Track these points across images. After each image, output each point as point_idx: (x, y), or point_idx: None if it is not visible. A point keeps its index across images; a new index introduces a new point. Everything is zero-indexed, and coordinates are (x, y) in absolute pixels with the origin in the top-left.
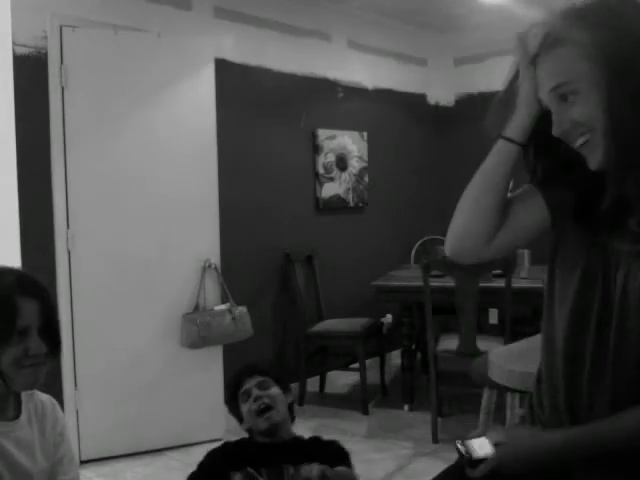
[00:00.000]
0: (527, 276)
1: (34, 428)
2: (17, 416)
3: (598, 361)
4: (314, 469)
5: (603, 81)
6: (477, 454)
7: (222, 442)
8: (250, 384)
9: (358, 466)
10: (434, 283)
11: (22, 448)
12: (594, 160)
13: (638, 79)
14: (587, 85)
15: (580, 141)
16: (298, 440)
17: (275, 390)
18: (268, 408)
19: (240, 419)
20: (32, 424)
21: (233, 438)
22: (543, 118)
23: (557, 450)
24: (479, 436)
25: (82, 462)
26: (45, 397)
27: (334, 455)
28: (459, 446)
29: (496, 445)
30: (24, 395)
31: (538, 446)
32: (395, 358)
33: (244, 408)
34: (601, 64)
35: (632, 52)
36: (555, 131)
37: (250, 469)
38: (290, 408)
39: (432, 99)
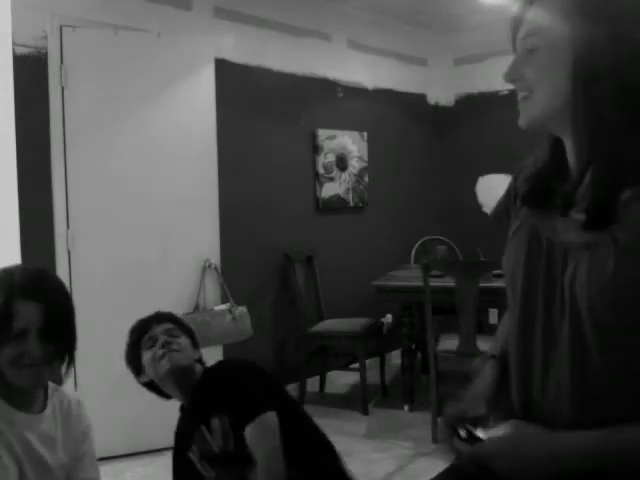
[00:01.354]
0: None
1: (58, 424)
2: (42, 410)
3: (548, 364)
4: (216, 425)
5: (562, 47)
6: (476, 434)
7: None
8: (158, 330)
9: (358, 466)
10: (434, 283)
11: (44, 441)
12: (522, 120)
13: (600, 58)
14: (546, 45)
15: (520, 95)
16: (203, 388)
17: (184, 339)
18: (174, 352)
19: (138, 371)
20: (57, 419)
21: None
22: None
23: (562, 453)
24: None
25: None
26: (72, 395)
27: (232, 382)
28: (459, 428)
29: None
30: (51, 390)
31: (541, 445)
32: (395, 358)
33: (146, 356)
34: (569, 29)
35: (601, 32)
36: (506, 76)
37: (191, 454)
38: (199, 360)
39: (432, 99)
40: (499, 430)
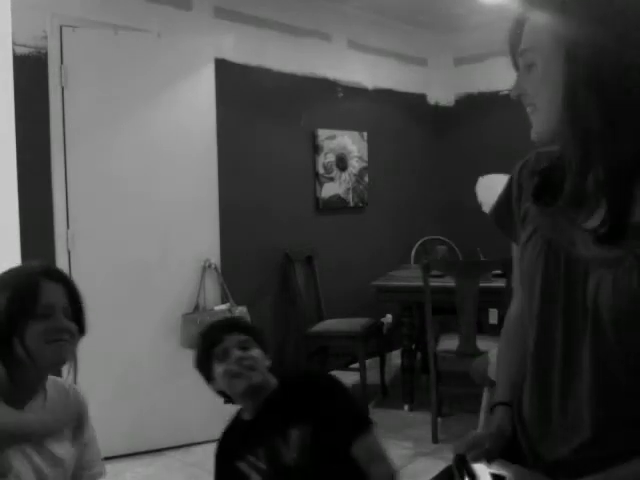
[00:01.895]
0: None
1: (59, 414)
2: (44, 405)
3: (568, 371)
4: (296, 436)
5: (555, 61)
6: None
7: (221, 433)
8: (230, 343)
9: None
10: (434, 283)
11: (51, 434)
12: (532, 135)
13: (594, 67)
14: (542, 59)
15: (528, 110)
16: (281, 399)
17: (257, 352)
18: (249, 370)
19: (209, 378)
20: (58, 410)
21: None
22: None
23: None
24: (478, 456)
25: None
26: (68, 384)
27: (323, 396)
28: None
29: (495, 477)
30: (48, 384)
31: None
32: (395, 358)
33: (219, 368)
34: (559, 43)
35: (594, 40)
36: (512, 93)
37: (250, 457)
38: (271, 368)
39: (432, 99)
40: (494, 466)
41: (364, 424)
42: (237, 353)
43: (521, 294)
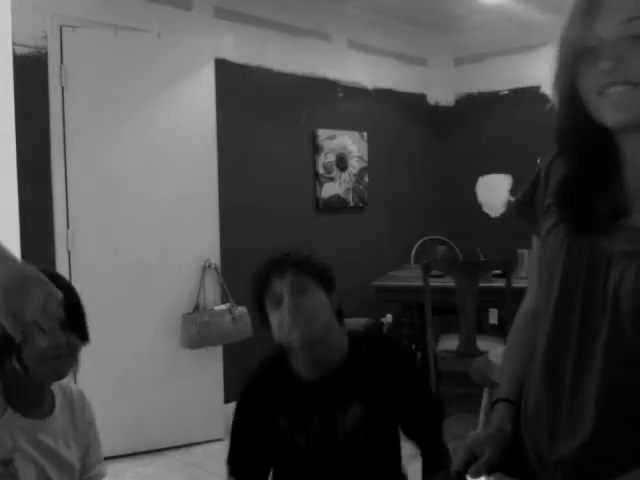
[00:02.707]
0: (527, 276)
1: (66, 418)
2: (52, 409)
3: (581, 364)
4: (356, 411)
5: None
6: None
7: (253, 371)
8: (281, 287)
9: None
10: (434, 283)
11: (59, 439)
12: (624, 116)
13: None
14: None
15: (620, 89)
16: (349, 364)
17: (315, 295)
18: (306, 320)
19: (267, 326)
20: (64, 415)
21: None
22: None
23: None
24: (479, 471)
25: None
26: (73, 387)
27: (399, 374)
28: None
29: None
30: (54, 388)
31: None
32: None
33: (274, 317)
34: None
35: None
36: (605, 65)
37: (300, 418)
38: (338, 314)
39: (432, 99)
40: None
41: (437, 416)
42: (291, 301)
43: (536, 287)
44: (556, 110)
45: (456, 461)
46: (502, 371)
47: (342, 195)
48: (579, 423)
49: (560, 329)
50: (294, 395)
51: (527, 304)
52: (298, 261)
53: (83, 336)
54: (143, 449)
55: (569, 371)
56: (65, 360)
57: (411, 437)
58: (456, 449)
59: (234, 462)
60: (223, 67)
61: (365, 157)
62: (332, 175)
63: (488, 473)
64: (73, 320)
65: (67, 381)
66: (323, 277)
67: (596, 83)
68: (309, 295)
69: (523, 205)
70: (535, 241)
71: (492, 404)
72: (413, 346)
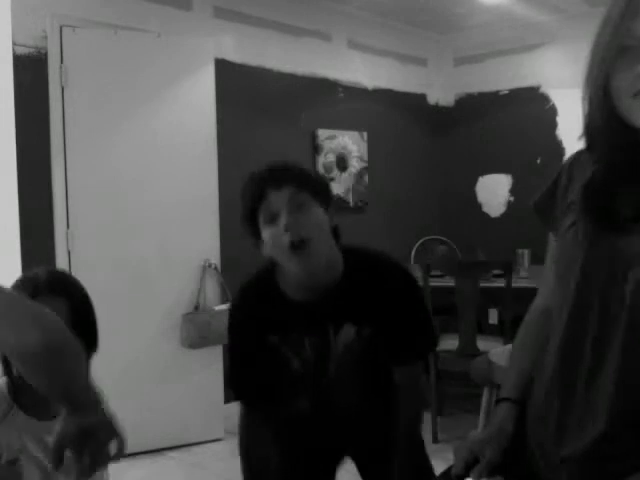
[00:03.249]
0: (527, 276)
1: None
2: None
3: (596, 362)
4: (350, 333)
5: None
6: None
7: (241, 290)
8: (278, 201)
9: None
10: (434, 283)
11: None
12: None
13: None
14: None
15: None
16: (344, 284)
17: (314, 213)
18: (303, 243)
19: (257, 240)
20: None
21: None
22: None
23: None
24: (480, 474)
25: None
26: None
27: (397, 297)
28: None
29: None
30: None
31: None
32: None
33: (266, 232)
34: None
35: None
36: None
37: (293, 337)
38: (334, 231)
39: (432, 99)
40: None
41: (427, 349)
42: (287, 217)
43: (551, 286)
44: (586, 110)
45: (457, 463)
46: (507, 370)
47: (342, 195)
48: (590, 421)
49: (576, 327)
50: (284, 314)
51: (540, 301)
52: (298, 175)
53: (89, 343)
54: (143, 449)
55: (584, 369)
56: None
57: (392, 363)
58: (457, 449)
59: (237, 385)
60: (223, 67)
61: (365, 157)
62: (332, 175)
63: (489, 475)
64: (79, 326)
65: None
66: (323, 193)
67: (631, 86)
68: (308, 212)
69: (543, 202)
70: (552, 240)
71: (495, 402)
72: None
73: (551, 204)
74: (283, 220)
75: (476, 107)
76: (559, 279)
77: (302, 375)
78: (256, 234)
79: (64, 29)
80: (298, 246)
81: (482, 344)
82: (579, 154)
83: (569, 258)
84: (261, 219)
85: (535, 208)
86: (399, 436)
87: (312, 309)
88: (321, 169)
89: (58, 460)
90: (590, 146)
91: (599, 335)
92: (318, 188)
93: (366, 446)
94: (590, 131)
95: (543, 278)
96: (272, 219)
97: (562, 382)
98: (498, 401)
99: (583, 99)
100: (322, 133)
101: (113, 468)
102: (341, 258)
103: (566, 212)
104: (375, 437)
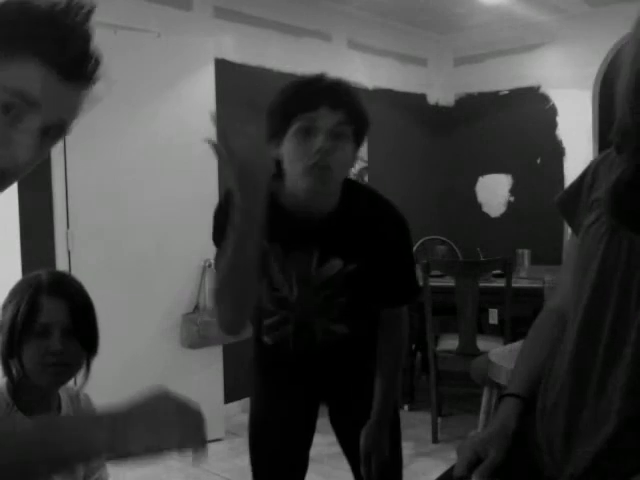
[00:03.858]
0: (527, 276)
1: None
2: (58, 412)
3: (611, 359)
4: (335, 267)
5: None
6: None
7: (228, 193)
8: (325, 121)
9: None
10: (434, 283)
11: None
12: None
13: None
14: None
15: None
16: (338, 218)
17: (347, 151)
18: (326, 174)
19: (275, 140)
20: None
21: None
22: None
23: None
24: (483, 475)
25: None
26: (80, 390)
27: (387, 240)
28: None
29: None
30: (61, 391)
31: None
32: None
33: (294, 141)
34: None
35: None
36: None
37: (277, 249)
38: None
39: (432, 99)
40: None
41: (411, 294)
42: (325, 143)
43: (568, 286)
44: (619, 113)
45: (459, 463)
46: (516, 366)
47: None
48: (601, 421)
49: (593, 322)
50: (276, 222)
51: (557, 300)
52: (355, 107)
53: (89, 345)
54: None
55: (596, 371)
56: (64, 368)
57: (375, 305)
58: (460, 449)
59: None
60: (223, 67)
61: (365, 157)
62: None
63: (492, 475)
64: (79, 328)
65: (74, 386)
66: (362, 135)
67: None
68: (344, 147)
69: (567, 200)
70: (570, 239)
71: (499, 398)
72: (413, 346)
73: (575, 200)
74: (320, 142)
75: (476, 107)
76: (578, 273)
77: (283, 295)
78: (278, 132)
79: None
80: (320, 175)
81: (482, 344)
82: (606, 155)
83: (589, 254)
84: (295, 125)
85: (558, 205)
86: (380, 375)
87: (304, 227)
88: None
89: None
90: (619, 148)
91: (614, 332)
92: (363, 129)
93: (342, 391)
94: (621, 133)
95: (560, 278)
96: (306, 132)
97: (575, 378)
98: (503, 396)
99: (617, 103)
100: None
101: (113, 468)
102: (339, 189)
103: (589, 209)
104: (351, 381)
